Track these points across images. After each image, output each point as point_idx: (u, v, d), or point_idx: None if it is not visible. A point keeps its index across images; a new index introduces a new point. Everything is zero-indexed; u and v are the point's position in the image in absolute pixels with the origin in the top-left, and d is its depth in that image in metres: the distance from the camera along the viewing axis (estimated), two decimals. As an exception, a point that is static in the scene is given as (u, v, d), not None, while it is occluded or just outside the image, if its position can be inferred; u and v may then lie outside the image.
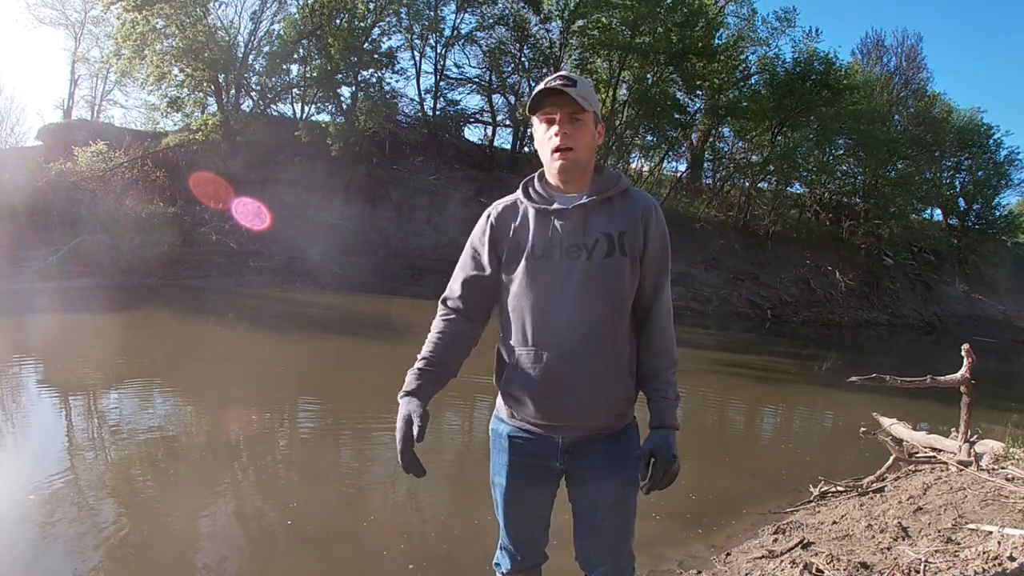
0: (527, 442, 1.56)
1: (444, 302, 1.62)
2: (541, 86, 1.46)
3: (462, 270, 1.60)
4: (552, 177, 1.53)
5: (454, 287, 1.61)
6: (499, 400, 1.63)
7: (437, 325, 1.60)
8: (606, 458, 1.53)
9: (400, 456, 1.42)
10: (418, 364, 1.54)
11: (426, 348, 1.57)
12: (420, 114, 19.66)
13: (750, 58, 19.82)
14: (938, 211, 25.79)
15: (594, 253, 1.46)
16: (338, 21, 17.54)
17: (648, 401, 1.54)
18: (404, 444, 1.42)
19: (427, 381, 1.51)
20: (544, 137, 1.48)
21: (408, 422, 1.43)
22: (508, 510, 1.63)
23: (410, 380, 1.51)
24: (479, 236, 1.58)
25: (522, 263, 1.49)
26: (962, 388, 4.14)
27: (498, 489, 1.62)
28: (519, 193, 1.57)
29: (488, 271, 1.55)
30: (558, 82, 1.43)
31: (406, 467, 1.43)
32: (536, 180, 1.59)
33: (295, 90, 18.54)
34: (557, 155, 1.46)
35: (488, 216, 1.58)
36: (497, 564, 1.75)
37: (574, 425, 1.51)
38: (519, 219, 1.53)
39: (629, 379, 1.52)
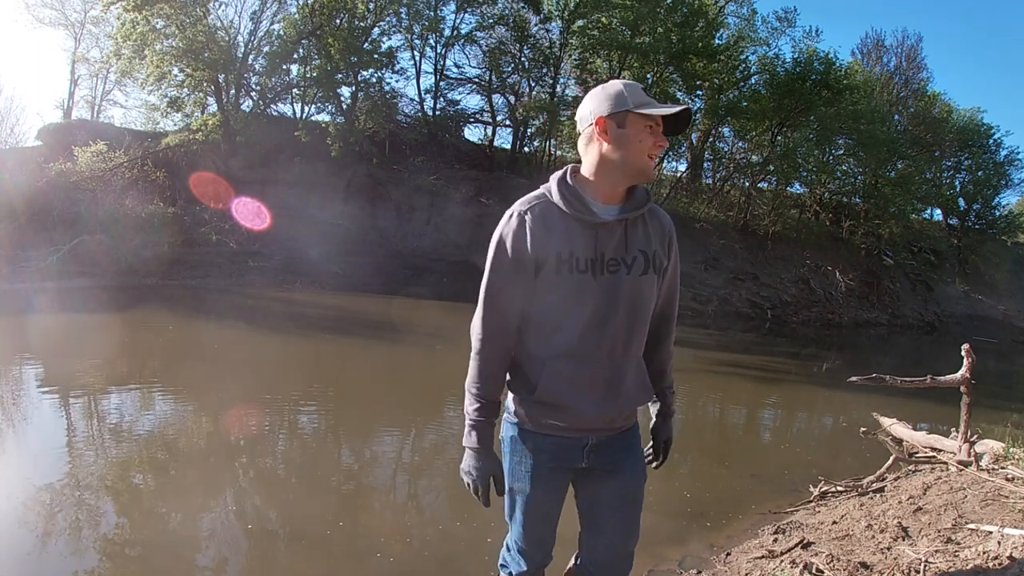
0: (553, 446, 1.57)
1: (489, 322, 1.50)
2: (672, 108, 1.42)
3: (506, 282, 1.48)
4: (619, 180, 1.48)
5: (500, 302, 1.49)
6: (514, 406, 1.60)
7: (490, 354, 1.51)
8: (624, 452, 1.62)
9: (483, 499, 1.58)
10: (485, 410, 1.54)
11: (486, 387, 1.52)
12: (420, 114, 19.63)
13: (750, 58, 19.82)
14: (938, 211, 25.79)
15: (633, 269, 1.48)
16: (338, 21, 17.50)
17: (657, 394, 1.72)
18: (486, 493, 1.57)
19: (493, 431, 1.57)
20: (641, 143, 1.43)
21: (490, 478, 1.57)
22: (531, 515, 1.63)
23: (481, 432, 1.54)
24: (518, 243, 1.45)
25: (563, 273, 1.45)
26: (962, 388, 4.14)
27: (520, 495, 1.61)
28: (555, 196, 1.47)
29: (531, 279, 1.47)
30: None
31: (485, 503, 1.59)
32: (568, 182, 1.50)
33: (295, 90, 18.51)
34: (654, 164, 1.49)
35: (523, 220, 1.46)
36: (503, 565, 1.76)
37: (604, 428, 1.57)
38: (558, 225, 1.45)
39: (648, 383, 1.62)
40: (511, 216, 1.48)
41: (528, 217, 1.46)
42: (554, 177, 1.52)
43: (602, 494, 1.63)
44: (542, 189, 1.52)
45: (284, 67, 18.06)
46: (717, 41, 18.99)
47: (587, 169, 1.50)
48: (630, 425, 1.64)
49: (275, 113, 18.64)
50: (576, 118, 1.53)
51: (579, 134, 1.52)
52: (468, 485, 1.57)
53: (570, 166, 1.54)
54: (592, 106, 1.47)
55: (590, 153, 1.49)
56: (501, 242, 1.47)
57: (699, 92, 19.72)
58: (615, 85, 1.48)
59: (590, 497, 1.65)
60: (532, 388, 1.51)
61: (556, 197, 1.47)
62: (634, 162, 1.44)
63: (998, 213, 24.99)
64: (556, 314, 1.48)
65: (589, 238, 1.45)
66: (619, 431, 1.60)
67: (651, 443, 1.78)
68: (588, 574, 1.72)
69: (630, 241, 1.49)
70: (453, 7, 18.83)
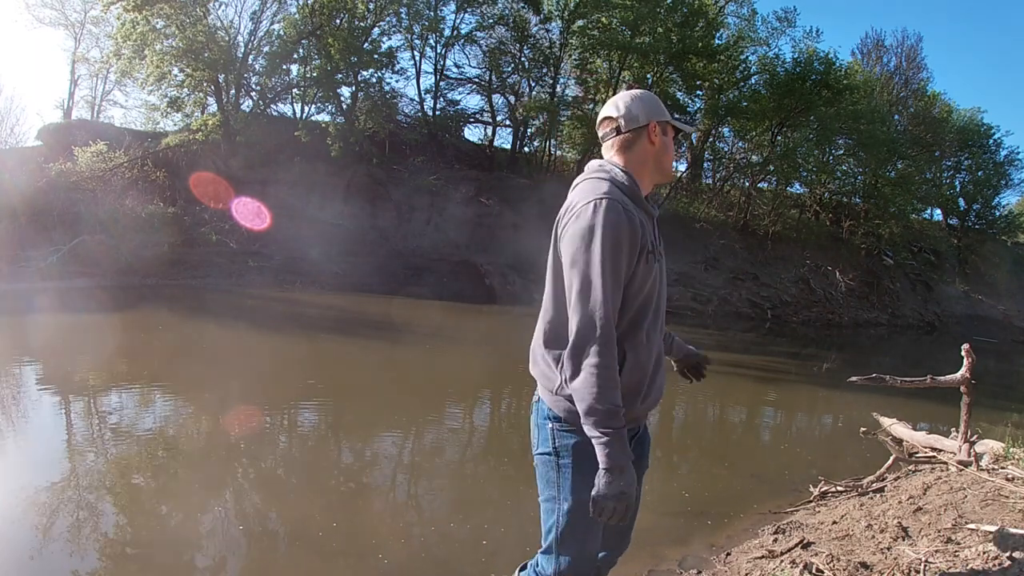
0: None
1: (606, 321, 1.38)
2: (695, 128, 1.56)
3: (619, 274, 1.40)
4: (654, 180, 1.62)
5: (614, 297, 1.40)
6: (570, 410, 1.47)
7: (611, 356, 1.38)
8: (646, 439, 1.72)
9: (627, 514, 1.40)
10: (620, 416, 1.38)
11: (616, 393, 1.39)
12: (420, 114, 19.64)
13: (750, 58, 19.85)
14: (938, 211, 25.80)
15: (663, 258, 1.60)
16: (338, 21, 17.51)
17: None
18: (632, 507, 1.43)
19: None
20: (671, 151, 1.62)
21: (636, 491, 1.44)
22: (598, 528, 1.53)
23: (625, 442, 1.38)
24: (626, 232, 1.40)
25: (649, 262, 1.47)
26: (962, 388, 4.14)
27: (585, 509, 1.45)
28: (627, 187, 1.49)
29: (631, 268, 1.45)
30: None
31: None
32: (630, 175, 1.53)
33: (295, 90, 18.52)
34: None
35: (627, 208, 1.43)
36: None
37: (646, 415, 1.64)
38: (640, 215, 1.48)
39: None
40: (610, 204, 1.40)
41: (631, 211, 1.43)
42: (613, 168, 1.52)
43: None
44: (607, 180, 1.48)
45: (284, 67, 18.08)
46: (717, 41, 19.02)
47: (630, 167, 1.56)
48: None
49: (275, 113, 18.66)
50: (615, 116, 1.57)
51: (616, 130, 1.56)
52: (620, 510, 1.36)
53: (605, 161, 1.57)
54: (641, 109, 1.56)
55: (636, 153, 1.56)
56: (609, 232, 1.37)
57: (699, 92, 19.74)
58: (651, 95, 1.62)
59: None
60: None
61: (629, 188, 1.50)
62: (667, 166, 1.61)
63: (998, 213, 25.03)
64: (640, 302, 1.49)
65: (651, 228, 1.54)
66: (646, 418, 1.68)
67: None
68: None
69: (658, 233, 1.61)
70: (453, 7, 18.88)
